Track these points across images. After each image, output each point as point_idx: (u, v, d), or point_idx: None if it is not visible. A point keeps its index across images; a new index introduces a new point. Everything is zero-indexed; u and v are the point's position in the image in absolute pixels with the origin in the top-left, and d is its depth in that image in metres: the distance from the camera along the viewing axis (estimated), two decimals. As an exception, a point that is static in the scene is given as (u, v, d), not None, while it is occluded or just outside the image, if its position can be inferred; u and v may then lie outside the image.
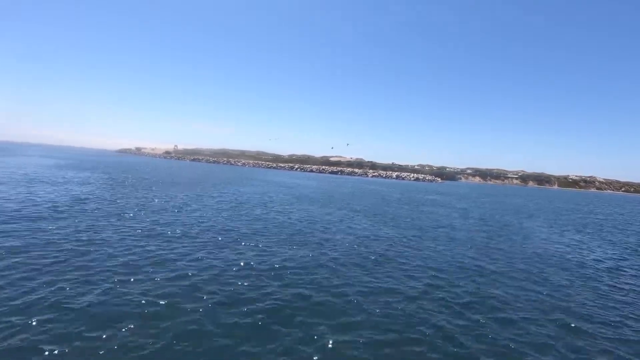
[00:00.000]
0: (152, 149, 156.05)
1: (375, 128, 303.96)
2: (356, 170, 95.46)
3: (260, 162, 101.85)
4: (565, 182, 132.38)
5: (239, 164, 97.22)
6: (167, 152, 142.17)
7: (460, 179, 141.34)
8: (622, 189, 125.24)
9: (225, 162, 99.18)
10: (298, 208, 17.37)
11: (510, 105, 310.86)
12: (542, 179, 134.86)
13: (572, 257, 11.29)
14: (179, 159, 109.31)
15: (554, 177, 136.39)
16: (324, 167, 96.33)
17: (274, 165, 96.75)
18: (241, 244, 9.45)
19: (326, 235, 11.38)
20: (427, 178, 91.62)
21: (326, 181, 47.59)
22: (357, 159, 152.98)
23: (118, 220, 11.04)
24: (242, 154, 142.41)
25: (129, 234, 9.45)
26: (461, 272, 8.58)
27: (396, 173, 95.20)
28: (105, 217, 11.26)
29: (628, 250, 13.51)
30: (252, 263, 7.80)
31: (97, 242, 8.40)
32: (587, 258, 11.44)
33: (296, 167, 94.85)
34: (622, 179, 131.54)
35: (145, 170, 38.60)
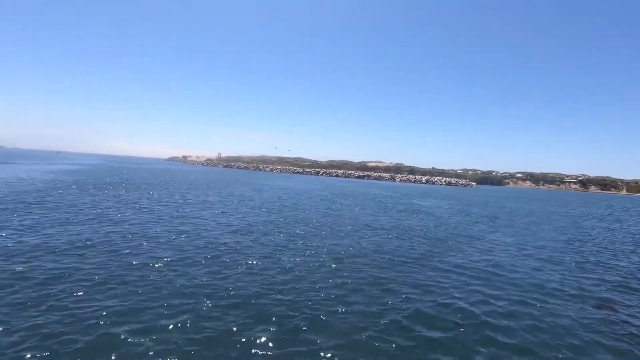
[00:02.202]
0: (197, 157, 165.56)
1: (416, 132, 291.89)
2: (384, 174, 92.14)
3: (287, 167, 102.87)
4: (637, 186, 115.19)
5: (267, 169, 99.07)
6: (209, 160, 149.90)
7: (508, 183, 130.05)
8: None
9: (254, 167, 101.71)
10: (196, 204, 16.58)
11: (573, 107, 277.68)
12: (606, 184, 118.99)
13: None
14: (214, 166, 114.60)
15: (622, 181, 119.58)
16: (350, 171, 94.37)
17: (301, 170, 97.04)
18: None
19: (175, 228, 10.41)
20: (460, 182, 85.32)
21: (324, 184, 46.08)
22: (396, 164, 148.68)
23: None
24: (280, 161, 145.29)
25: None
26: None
27: (426, 177, 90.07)
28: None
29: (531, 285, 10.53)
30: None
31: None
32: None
33: (322, 172, 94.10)
34: None
35: (142, 175, 40.60)
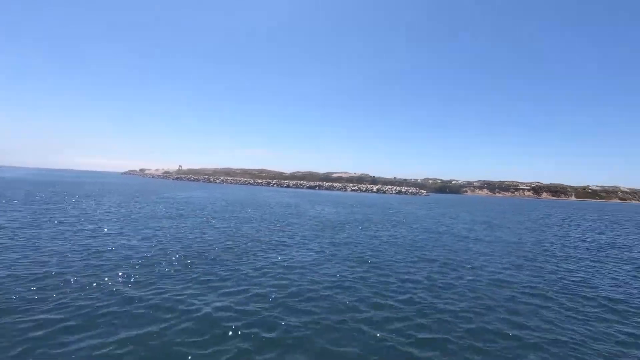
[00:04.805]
0: (155, 170, 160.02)
1: (386, 144, 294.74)
2: (335, 185, 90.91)
3: (238, 178, 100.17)
4: (584, 192, 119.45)
5: (217, 180, 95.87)
6: (167, 172, 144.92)
7: (466, 191, 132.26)
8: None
9: (205, 179, 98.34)
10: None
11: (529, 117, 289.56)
12: (557, 190, 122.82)
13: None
14: (166, 178, 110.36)
15: (572, 187, 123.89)
16: (301, 182, 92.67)
17: (252, 181, 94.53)
18: None
19: None
20: (410, 191, 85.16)
21: (245, 194, 43.82)
22: (361, 174, 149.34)
23: None
24: (245, 172, 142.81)
25: None
26: None
27: (377, 187, 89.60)
28: None
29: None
30: None
31: None
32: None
33: (273, 183, 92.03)
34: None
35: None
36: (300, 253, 11.05)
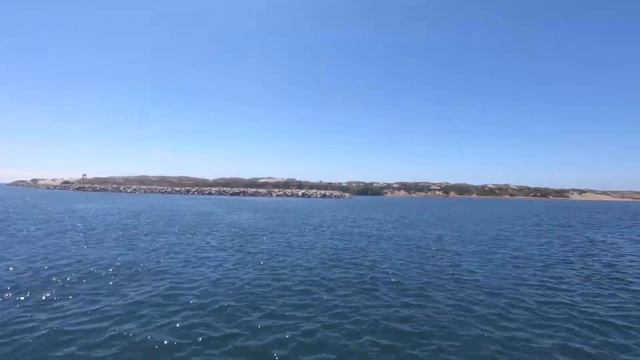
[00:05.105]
0: (53, 180, 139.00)
1: (314, 148, 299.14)
2: (260, 190, 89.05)
3: (154, 187, 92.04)
4: (483, 191, 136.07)
5: (128, 190, 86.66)
6: (66, 182, 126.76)
7: (386, 193, 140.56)
8: (532, 194, 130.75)
9: (113, 189, 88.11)
10: None
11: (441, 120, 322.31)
12: (462, 189, 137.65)
13: None
14: (65, 189, 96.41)
15: (473, 186, 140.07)
16: (224, 189, 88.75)
17: (170, 190, 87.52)
18: None
19: None
20: (334, 195, 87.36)
21: (155, 202, 40.01)
22: (287, 179, 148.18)
23: None
24: (163, 180, 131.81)
25: None
26: None
27: (302, 191, 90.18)
28: None
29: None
30: None
31: None
32: None
33: (193, 190, 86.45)
34: (533, 185, 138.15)
35: None
36: (195, 269, 9.84)
